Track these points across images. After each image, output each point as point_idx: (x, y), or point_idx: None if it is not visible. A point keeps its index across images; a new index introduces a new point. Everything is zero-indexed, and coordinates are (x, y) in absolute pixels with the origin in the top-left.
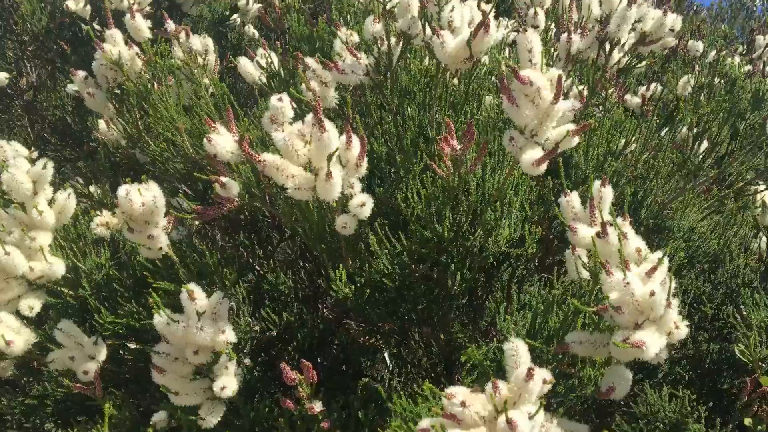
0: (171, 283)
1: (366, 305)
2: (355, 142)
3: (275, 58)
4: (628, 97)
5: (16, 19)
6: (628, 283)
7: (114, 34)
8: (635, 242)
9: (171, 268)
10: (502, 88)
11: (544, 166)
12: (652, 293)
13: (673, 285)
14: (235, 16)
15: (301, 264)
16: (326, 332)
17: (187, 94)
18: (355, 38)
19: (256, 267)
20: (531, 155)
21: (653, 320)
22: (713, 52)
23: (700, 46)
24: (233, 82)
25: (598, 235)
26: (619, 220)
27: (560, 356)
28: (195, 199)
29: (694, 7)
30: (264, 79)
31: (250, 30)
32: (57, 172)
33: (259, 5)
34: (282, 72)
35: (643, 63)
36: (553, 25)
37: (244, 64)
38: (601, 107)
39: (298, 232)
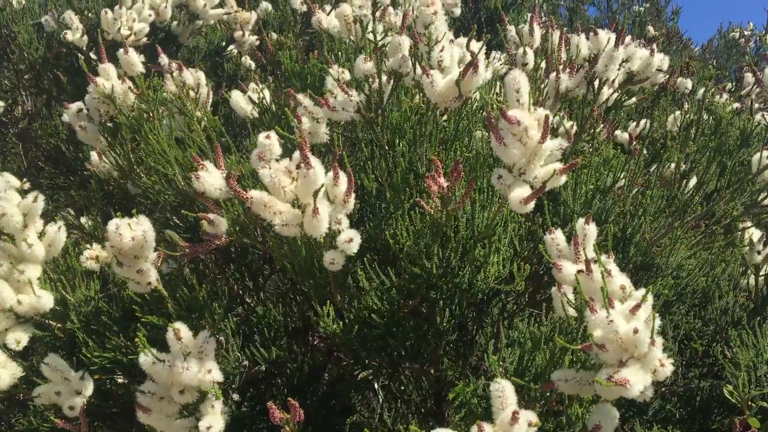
0: (160, 317)
1: (355, 341)
2: (343, 178)
3: (267, 94)
4: (618, 132)
5: (13, 48)
6: (611, 321)
7: (107, 68)
8: (620, 279)
9: (160, 302)
10: (491, 128)
11: (532, 204)
12: (636, 331)
13: (663, 321)
14: (231, 47)
15: (292, 296)
16: (316, 367)
17: (178, 126)
18: (347, 76)
19: (246, 299)
20: (519, 193)
21: (638, 358)
22: (702, 90)
23: (689, 83)
24: (229, 112)
25: (581, 272)
26: (603, 257)
27: (548, 394)
28: (186, 231)
29: (683, 41)
30: (255, 113)
31: (247, 61)
32: (50, 200)
33: (255, 37)
34: (273, 107)
35: (633, 99)
36: (542, 64)
37: (236, 99)
38: (589, 144)
39: (287, 267)
